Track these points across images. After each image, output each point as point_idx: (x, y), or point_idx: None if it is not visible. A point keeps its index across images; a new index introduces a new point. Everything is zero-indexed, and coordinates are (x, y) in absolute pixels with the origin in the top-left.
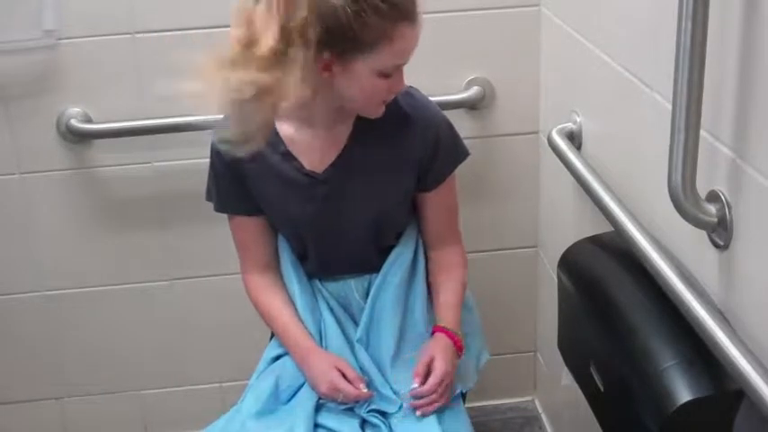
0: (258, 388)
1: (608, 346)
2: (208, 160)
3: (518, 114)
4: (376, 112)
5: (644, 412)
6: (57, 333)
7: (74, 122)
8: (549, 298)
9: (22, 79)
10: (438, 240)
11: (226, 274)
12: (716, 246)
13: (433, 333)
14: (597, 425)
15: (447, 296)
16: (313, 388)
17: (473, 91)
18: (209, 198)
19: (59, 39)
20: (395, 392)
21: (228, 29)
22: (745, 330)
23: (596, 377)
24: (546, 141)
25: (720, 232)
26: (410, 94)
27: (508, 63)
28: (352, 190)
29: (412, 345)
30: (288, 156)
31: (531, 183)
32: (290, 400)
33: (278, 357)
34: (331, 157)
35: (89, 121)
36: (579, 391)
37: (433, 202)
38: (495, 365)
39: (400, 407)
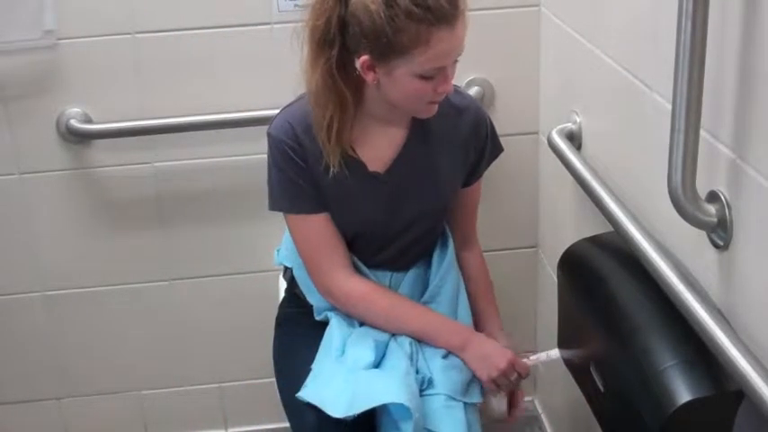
0: (360, 349)
1: (608, 346)
2: (207, 160)
3: (518, 114)
4: (426, 112)
5: (644, 412)
6: (57, 333)
7: (74, 122)
8: (549, 298)
9: (22, 79)
10: (465, 236)
11: (225, 275)
12: (716, 246)
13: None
14: (597, 425)
15: (496, 321)
16: (480, 369)
17: (473, 91)
18: (275, 206)
19: (59, 39)
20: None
21: (227, 29)
22: (745, 330)
23: (596, 377)
24: (546, 141)
25: (720, 232)
26: (458, 91)
27: (508, 63)
28: (412, 187)
29: None
30: (350, 156)
31: (531, 183)
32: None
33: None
34: (391, 155)
35: (89, 121)
36: (579, 391)
37: (468, 196)
38: None
39: (430, 381)
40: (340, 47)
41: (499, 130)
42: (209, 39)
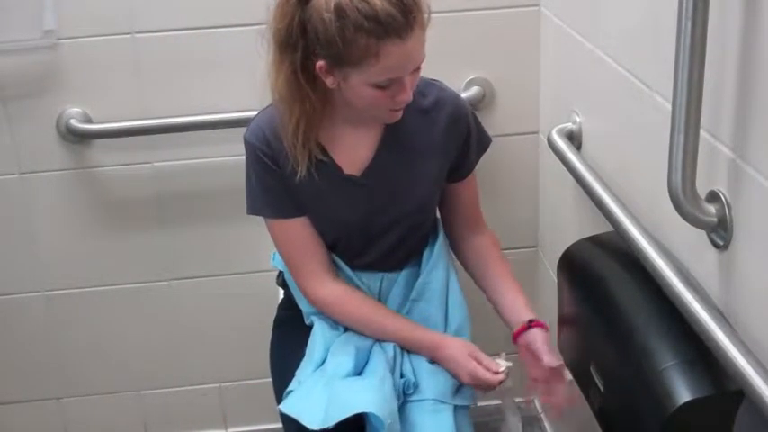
0: (340, 356)
1: (608, 346)
2: (207, 161)
3: (518, 114)
4: (388, 118)
5: (644, 412)
6: (57, 333)
7: (74, 122)
8: (549, 298)
9: (22, 79)
10: (470, 229)
11: (225, 275)
12: (716, 246)
13: (530, 327)
14: (597, 425)
15: (515, 292)
16: (455, 372)
17: (473, 91)
18: (253, 211)
19: (59, 39)
20: (418, 381)
21: (227, 29)
22: (746, 330)
23: (596, 377)
24: (546, 141)
25: (720, 232)
26: (437, 86)
27: (508, 63)
28: (389, 189)
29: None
30: (327, 162)
31: (531, 183)
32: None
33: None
34: (367, 157)
35: (89, 121)
36: (579, 391)
37: (463, 191)
38: None
39: (415, 386)
40: (303, 49)
41: (499, 130)
42: (209, 39)
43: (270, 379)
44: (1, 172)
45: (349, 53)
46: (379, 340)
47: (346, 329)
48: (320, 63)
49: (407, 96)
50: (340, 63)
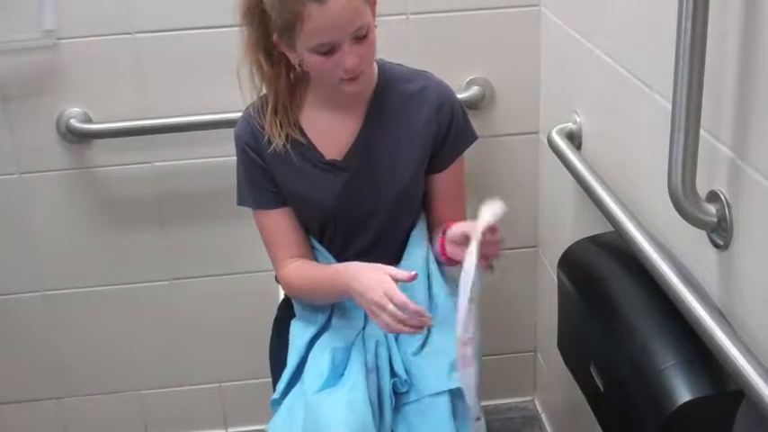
0: (316, 366)
1: (608, 346)
2: (207, 160)
3: (518, 114)
4: (346, 90)
5: (644, 412)
6: (57, 333)
7: (74, 122)
8: (549, 298)
9: (22, 79)
10: (444, 221)
11: (225, 275)
12: (716, 246)
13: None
14: (597, 425)
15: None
16: (364, 302)
17: (473, 91)
18: (241, 202)
19: (59, 39)
20: (411, 379)
21: (227, 29)
22: (746, 330)
23: (596, 377)
24: (546, 141)
25: (720, 232)
26: (425, 75)
27: (508, 63)
28: (372, 172)
29: (438, 330)
30: (307, 146)
31: (531, 183)
32: (343, 371)
33: (312, 339)
34: (348, 141)
35: (89, 121)
36: (579, 391)
37: (442, 185)
38: (495, 365)
39: (408, 388)
40: (260, 24)
41: (499, 130)
42: (209, 39)
43: (270, 379)
44: (1, 172)
45: (282, 18)
46: (332, 301)
47: (323, 327)
48: (275, 37)
49: (351, 62)
50: (282, 32)
